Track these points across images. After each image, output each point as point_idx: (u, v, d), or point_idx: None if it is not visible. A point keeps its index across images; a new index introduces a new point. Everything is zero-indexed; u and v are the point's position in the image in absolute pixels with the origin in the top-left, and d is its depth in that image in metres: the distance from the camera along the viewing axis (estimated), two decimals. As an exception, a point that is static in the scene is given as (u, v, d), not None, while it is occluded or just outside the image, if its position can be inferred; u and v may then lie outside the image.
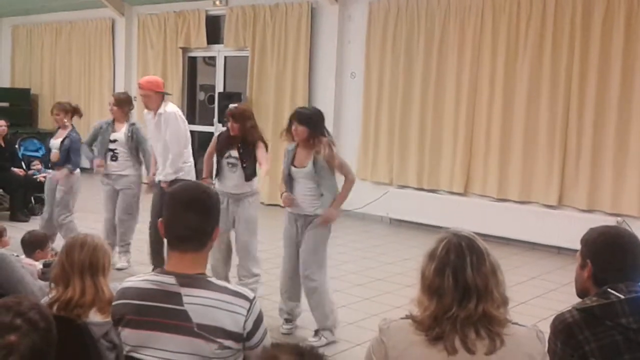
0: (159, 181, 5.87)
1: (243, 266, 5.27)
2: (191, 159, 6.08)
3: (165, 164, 5.80)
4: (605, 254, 2.18)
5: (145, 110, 5.96)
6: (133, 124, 6.43)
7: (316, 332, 4.60)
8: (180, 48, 11.18)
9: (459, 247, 1.86)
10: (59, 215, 6.53)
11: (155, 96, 5.81)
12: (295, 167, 4.64)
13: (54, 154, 6.61)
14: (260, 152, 5.20)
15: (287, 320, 4.84)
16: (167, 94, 6.06)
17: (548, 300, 5.67)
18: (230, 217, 5.23)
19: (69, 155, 6.54)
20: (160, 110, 5.80)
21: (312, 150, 4.53)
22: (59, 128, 6.77)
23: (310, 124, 4.53)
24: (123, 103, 6.40)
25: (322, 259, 4.62)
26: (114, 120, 6.45)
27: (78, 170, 6.66)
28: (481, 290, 1.81)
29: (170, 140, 5.76)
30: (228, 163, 5.25)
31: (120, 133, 6.36)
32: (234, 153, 5.24)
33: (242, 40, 10.26)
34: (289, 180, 4.67)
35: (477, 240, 1.90)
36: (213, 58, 11.16)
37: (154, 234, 5.84)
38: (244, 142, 5.22)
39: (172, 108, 5.88)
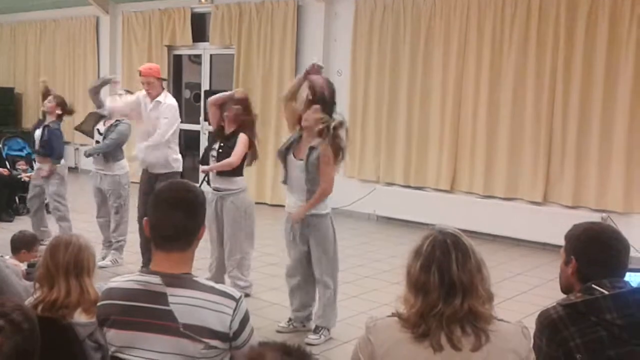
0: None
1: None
2: (179, 155, 6.09)
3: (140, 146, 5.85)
4: (589, 250, 2.19)
5: (143, 93, 5.98)
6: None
7: (316, 330, 4.56)
8: (166, 46, 11.12)
9: (444, 244, 1.87)
10: (56, 206, 6.65)
11: (157, 82, 5.90)
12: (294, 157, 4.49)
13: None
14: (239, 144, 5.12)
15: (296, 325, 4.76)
16: (165, 79, 6.27)
17: (533, 296, 5.71)
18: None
19: (50, 146, 6.52)
20: (160, 99, 5.86)
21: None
22: (42, 120, 6.75)
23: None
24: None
25: (333, 262, 4.53)
26: None
27: (63, 159, 6.73)
28: (466, 287, 1.82)
29: (161, 130, 5.78)
30: (212, 156, 5.20)
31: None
32: (216, 146, 5.20)
33: (227, 38, 10.23)
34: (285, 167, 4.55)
35: (462, 237, 1.91)
36: (199, 56, 11.12)
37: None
38: (231, 135, 5.15)
39: (172, 100, 5.98)
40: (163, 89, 5.98)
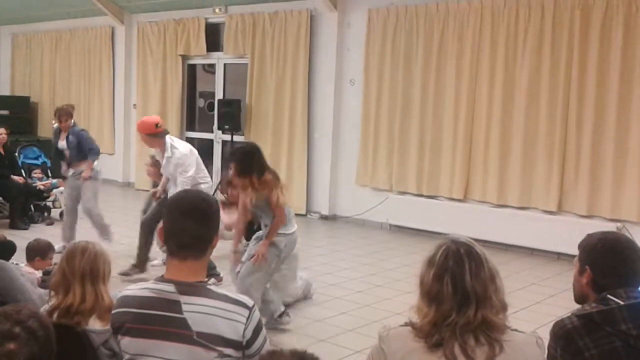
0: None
1: None
2: (208, 178, 6.17)
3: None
4: (604, 260, 2.17)
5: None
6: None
7: None
8: (180, 55, 11.21)
9: (458, 253, 1.87)
10: (93, 209, 6.83)
11: (149, 139, 5.82)
12: None
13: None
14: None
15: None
16: (160, 135, 5.83)
17: (547, 306, 5.67)
18: None
19: (81, 150, 6.79)
20: (168, 154, 5.78)
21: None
22: (60, 131, 6.96)
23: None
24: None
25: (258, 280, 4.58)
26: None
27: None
28: (480, 297, 1.82)
29: (183, 184, 5.69)
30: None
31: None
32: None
33: (241, 48, 10.29)
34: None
35: (475, 247, 1.91)
36: (213, 65, 11.19)
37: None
38: None
39: (179, 150, 5.82)
40: (164, 140, 5.82)
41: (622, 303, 2.05)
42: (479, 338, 1.79)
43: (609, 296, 2.09)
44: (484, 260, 1.87)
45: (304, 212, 9.63)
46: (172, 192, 5.74)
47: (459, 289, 1.82)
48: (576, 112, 7.39)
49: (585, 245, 2.24)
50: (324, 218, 9.34)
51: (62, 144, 6.93)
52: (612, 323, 2.02)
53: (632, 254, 2.17)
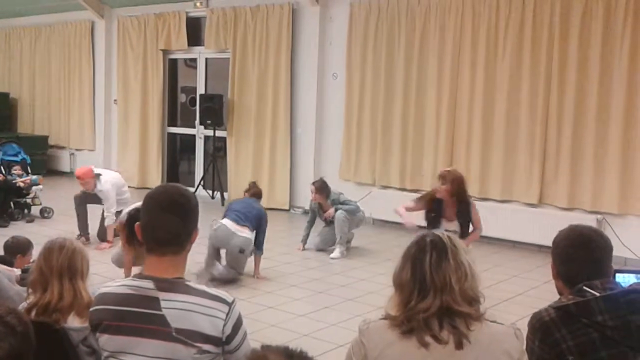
0: None
1: None
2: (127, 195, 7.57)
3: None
4: (566, 252, 2.21)
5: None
6: None
7: None
8: (161, 50, 11.12)
9: (423, 243, 1.94)
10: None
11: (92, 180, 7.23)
12: None
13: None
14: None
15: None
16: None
17: (529, 298, 5.72)
18: None
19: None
20: (99, 187, 7.24)
21: None
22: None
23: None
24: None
25: None
26: None
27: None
28: (438, 286, 1.86)
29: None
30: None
31: None
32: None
33: (223, 42, 10.23)
34: None
35: (444, 238, 1.95)
36: (194, 60, 11.13)
37: None
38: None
39: (105, 184, 7.28)
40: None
41: (598, 294, 2.07)
42: (443, 325, 1.84)
43: (585, 288, 2.11)
44: (451, 251, 1.91)
45: (287, 207, 9.63)
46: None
47: (418, 276, 1.89)
48: (557, 105, 7.45)
49: (553, 239, 2.28)
50: (307, 213, 9.32)
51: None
52: (588, 314, 2.04)
53: (593, 242, 2.19)
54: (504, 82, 7.78)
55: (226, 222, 5.95)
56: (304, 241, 7.37)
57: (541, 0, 7.50)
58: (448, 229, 5.26)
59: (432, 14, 8.31)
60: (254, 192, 6.64)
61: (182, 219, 2.06)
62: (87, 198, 7.39)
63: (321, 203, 7.24)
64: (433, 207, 5.54)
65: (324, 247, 7.25)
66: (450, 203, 5.46)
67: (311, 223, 7.37)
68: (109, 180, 7.34)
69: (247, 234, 5.92)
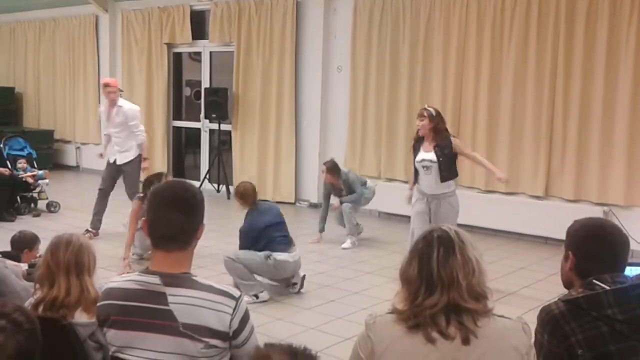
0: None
1: None
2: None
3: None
4: (586, 244, 2.18)
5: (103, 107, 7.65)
6: None
7: None
8: (165, 44, 11.11)
9: (430, 238, 1.92)
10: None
11: (117, 92, 7.38)
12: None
13: None
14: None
15: None
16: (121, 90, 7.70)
17: (536, 290, 5.70)
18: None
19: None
20: (121, 104, 7.39)
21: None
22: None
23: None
24: None
25: None
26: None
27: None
28: (445, 281, 1.85)
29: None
30: (423, 166, 5.61)
31: None
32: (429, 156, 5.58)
33: (227, 36, 10.22)
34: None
35: (452, 233, 1.93)
36: (198, 53, 11.12)
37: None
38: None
39: (127, 104, 7.49)
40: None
41: (607, 288, 2.06)
42: (450, 321, 1.83)
43: (594, 281, 2.09)
44: (458, 246, 1.89)
45: (292, 200, 9.63)
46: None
47: (425, 271, 1.88)
48: (562, 98, 7.41)
49: (570, 230, 2.26)
50: (313, 206, 9.34)
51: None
52: (598, 308, 2.03)
53: (615, 239, 2.18)
54: (510, 73, 7.74)
55: (287, 256, 5.37)
56: (321, 231, 7.38)
57: (547, -6, 7.46)
58: (425, 158, 5.60)
59: (436, 6, 8.27)
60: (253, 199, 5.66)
61: (187, 215, 2.06)
62: (113, 173, 7.38)
63: (333, 183, 7.29)
64: (415, 145, 5.79)
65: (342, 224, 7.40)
66: (430, 137, 5.64)
67: (326, 210, 7.38)
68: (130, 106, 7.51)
69: (297, 251, 5.62)
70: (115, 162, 7.36)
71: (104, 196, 7.35)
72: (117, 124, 7.33)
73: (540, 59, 7.52)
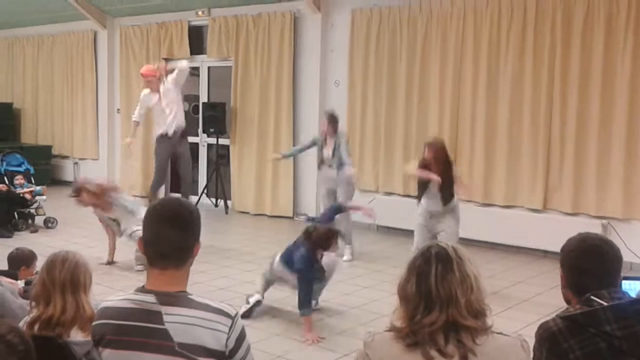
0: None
1: None
2: None
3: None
4: (575, 258, 2.19)
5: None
6: None
7: None
8: (163, 59, 11.13)
9: (428, 255, 1.91)
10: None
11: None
12: None
13: None
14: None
15: None
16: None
17: (534, 304, 5.68)
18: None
19: None
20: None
21: None
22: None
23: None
24: None
25: None
26: None
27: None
28: (444, 299, 1.84)
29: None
30: None
31: None
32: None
33: (225, 51, 10.25)
34: None
35: (449, 250, 1.92)
36: (196, 68, 11.14)
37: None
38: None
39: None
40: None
41: (605, 304, 2.05)
42: (448, 339, 1.81)
43: (592, 297, 2.09)
44: (456, 263, 1.88)
45: (290, 214, 9.61)
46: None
47: (423, 289, 1.86)
48: (559, 111, 7.43)
49: (562, 247, 2.26)
50: (311, 220, 9.30)
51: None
52: (596, 324, 2.02)
53: (603, 252, 2.16)
54: (507, 87, 7.76)
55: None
56: (285, 155, 8.19)
57: (543, 8, 7.48)
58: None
59: (433, 21, 8.30)
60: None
61: (183, 232, 2.05)
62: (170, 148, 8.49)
63: (327, 138, 7.45)
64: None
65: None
66: (435, 166, 6.01)
67: (302, 150, 7.99)
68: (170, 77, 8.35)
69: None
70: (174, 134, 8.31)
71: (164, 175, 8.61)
72: (170, 98, 8.25)
73: (537, 74, 7.54)
